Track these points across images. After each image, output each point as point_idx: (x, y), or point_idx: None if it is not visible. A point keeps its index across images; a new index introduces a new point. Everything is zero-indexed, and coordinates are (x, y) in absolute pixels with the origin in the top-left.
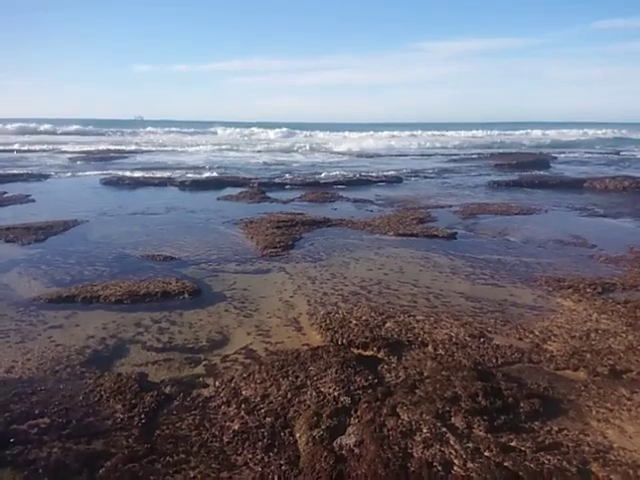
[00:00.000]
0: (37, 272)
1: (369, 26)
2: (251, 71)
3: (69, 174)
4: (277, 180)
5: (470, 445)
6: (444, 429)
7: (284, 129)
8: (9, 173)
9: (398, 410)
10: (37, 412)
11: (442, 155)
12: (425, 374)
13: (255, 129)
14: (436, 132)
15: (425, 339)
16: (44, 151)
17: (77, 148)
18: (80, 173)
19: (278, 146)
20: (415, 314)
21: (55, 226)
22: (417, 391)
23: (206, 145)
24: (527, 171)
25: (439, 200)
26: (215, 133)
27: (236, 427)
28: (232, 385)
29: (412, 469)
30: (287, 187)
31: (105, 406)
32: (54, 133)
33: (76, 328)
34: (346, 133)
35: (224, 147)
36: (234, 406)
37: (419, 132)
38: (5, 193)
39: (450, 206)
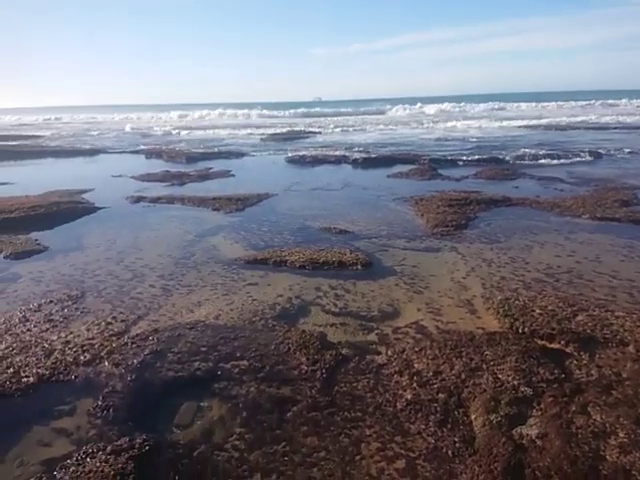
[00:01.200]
0: (237, 237)
1: None
2: (426, 42)
3: (261, 153)
4: (449, 157)
5: None
6: None
7: (462, 103)
8: (214, 151)
9: (589, 409)
10: (238, 355)
11: None
12: (624, 376)
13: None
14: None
15: (625, 338)
16: (242, 130)
17: (267, 130)
18: (270, 151)
19: (447, 121)
20: (614, 309)
21: (251, 198)
22: (613, 392)
23: (378, 125)
24: None
25: None
26: (383, 113)
27: (409, 397)
28: (404, 357)
29: (604, 472)
30: (460, 164)
31: (292, 357)
32: (248, 117)
33: (268, 287)
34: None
35: (393, 126)
36: (406, 377)
37: (623, 101)
38: (211, 168)
39: None
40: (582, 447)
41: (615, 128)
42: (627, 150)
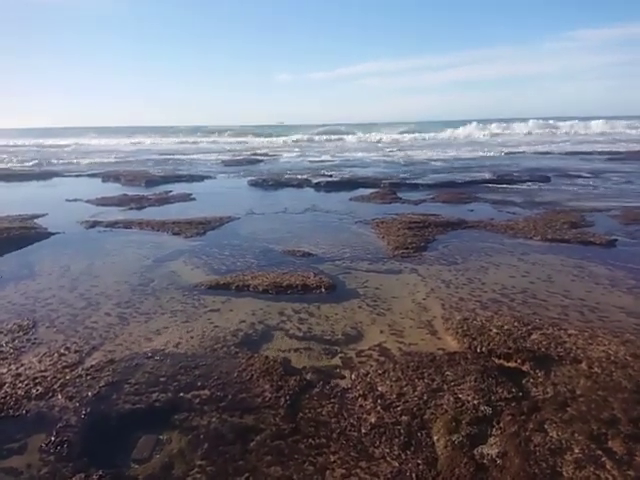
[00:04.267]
0: (198, 261)
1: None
2: (381, 72)
3: (223, 176)
4: (409, 181)
5: (632, 473)
6: (599, 452)
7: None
8: (175, 174)
9: (546, 426)
10: (199, 384)
11: (600, 153)
12: (578, 392)
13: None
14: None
15: (578, 355)
16: (204, 154)
17: (225, 156)
18: (232, 175)
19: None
20: (566, 327)
21: (213, 221)
22: (568, 409)
23: (335, 148)
24: None
25: (595, 202)
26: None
27: (373, 420)
28: (368, 380)
29: None
30: (420, 187)
31: (255, 384)
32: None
33: (230, 313)
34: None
35: (352, 149)
36: (370, 400)
37: (566, 123)
38: (171, 192)
39: (609, 210)
40: (540, 464)
41: (561, 152)
42: (574, 174)
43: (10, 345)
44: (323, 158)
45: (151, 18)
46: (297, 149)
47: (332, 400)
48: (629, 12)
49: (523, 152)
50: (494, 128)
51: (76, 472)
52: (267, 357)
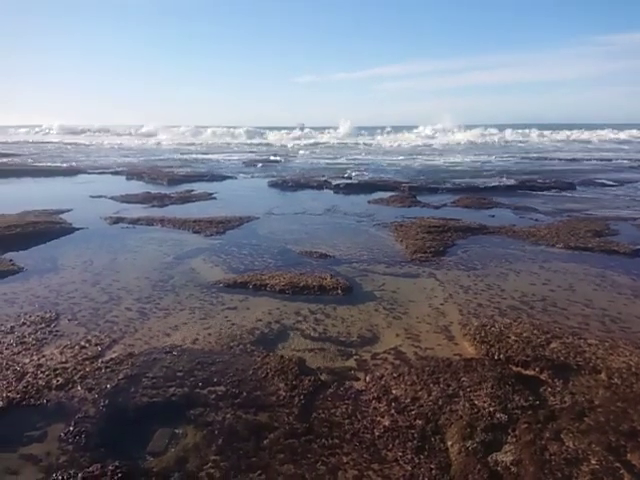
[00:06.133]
0: (217, 260)
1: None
2: (406, 75)
3: (244, 176)
4: (429, 185)
5: None
6: (617, 464)
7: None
8: (197, 173)
9: (562, 436)
10: (215, 380)
11: (626, 160)
12: (596, 403)
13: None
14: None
15: (598, 365)
16: (225, 154)
17: (250, 154)
18: (252, 175)
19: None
20: (587, 337)
21: (232, 221)
22: (586, 419)
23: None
24: None
25: (620, 211)
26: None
27: (386, 423)
28: (382, 382)
29: None
30: (440, 191)
31: (270, 383)
32: (233, 138)
33: (247, 311)
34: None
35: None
36: (384, 403)
37: (595, 132)
38: (193, 191)
39: (634, 219)
40: (555, 474)
41: (589, 159)
42: (599, 182)
43: (33, 336)
44: (342, 160)
45: (174, 17)
46: (317, 150)
47: (346, 401)
48: None
49: (547, 158)
50: (515, 134)
51: (93, 462)
52: (282, 356)
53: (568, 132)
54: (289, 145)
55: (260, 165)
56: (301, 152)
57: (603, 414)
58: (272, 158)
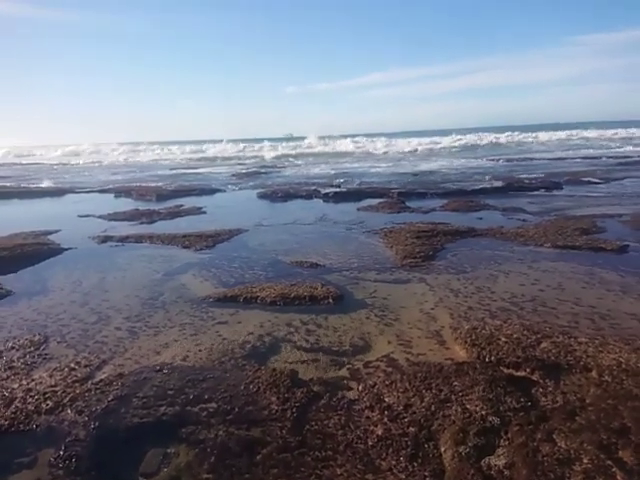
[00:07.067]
0: (207, 274)
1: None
2: (389, 83)
3: (233, 188)
4: (417, 190)
5: None
6: (609, 462)
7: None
8: (185, 188)
9: (554, 436)
10: (206, 397)
11: (609, 157)
12: (587, 401)
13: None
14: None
15: (588, 363)
16: (213, 167)
17: (238, 167)
18: (241, 187)
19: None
20: (577, 335)
21: (222, 234)
22: (577, 419)
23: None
24: None
25: (607, 209)
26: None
27: (380, 432)
28: (375, 391)
29: None
30: (428, 196)
31: (262, 397)
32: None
33: (238, 325)
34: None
35: (359, 160)
36: (377, 412)
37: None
38: (182, 206)
39: (620, 215)
40: (548, 475)
41: (574, 157)
42: (585, 180)
43: (22, 360)
44: (329, 169)
45: (163, 33)
46: (309, 159)
47: (339, 412)
48: None
49: (534, 158)
50: (503, 137)
51: None
52: (274, 369)
53: (551, 132)
54: (277, 155)
55: (249, 177)
56: (289, 162)
57: (594, 412)
58: (261, 170)
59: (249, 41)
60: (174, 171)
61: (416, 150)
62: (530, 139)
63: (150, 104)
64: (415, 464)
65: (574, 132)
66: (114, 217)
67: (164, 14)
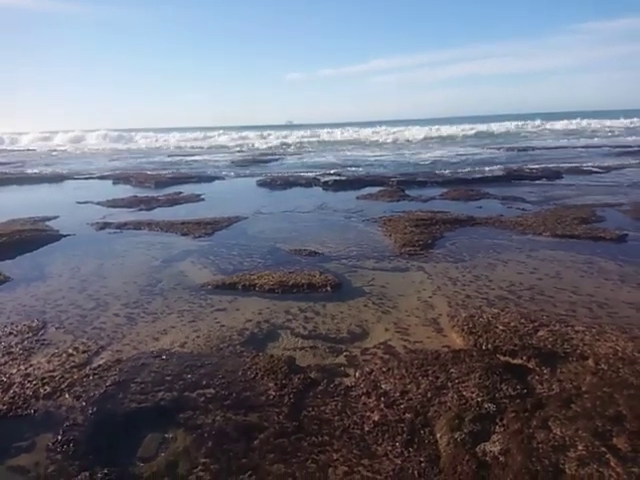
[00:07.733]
0: (206, 261)
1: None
2: (393, 69)
3: (232, 176)
4: (417, 178)
5: (636, 470)
6: (603, 449)
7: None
8: (184, 175)
9: (550, 424)
10: (204, 383)
11: (611, 147)
12: (583, 389)
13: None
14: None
15: (585, 352)
16: (213, 154)
17: (238, 154)
18: (240, 175)
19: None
20: (574, 324)
21: (221, 222)
22: (573, 406)
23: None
24: None
25: (606, 198)
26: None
27: (376, 418)
28: (372, 377)
29: None
30: (428, 185)
31: (260, 383)
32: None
33: (237, 312)
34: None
35: (360, 147)
36: (374, 398)
37: (576, 120)
38: (181, 193)
39: (620, 205)
40: (543, 461)
41: (574, 146)
42: (586, 169)
43: (20, 346)
44: (330, 157)
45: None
46: (307, 148)
47: (336, 398)
48: None
49: (535, 147)
50: (505, 125)
51: (82, 470)
52: (272, 356)
53: (554, 121)
54: (278, 143)
55: (248, 165)
56: (290, 150)
57: (590, 400)
58: (260, 157)
59: (248, 30)
60: (172, 158)
61: (417, 139)
62: (531, 127)
63: (149, 94)
64: (411, 450)
65: (594, 121)
66: (113, 204)
67: (165, 6)
